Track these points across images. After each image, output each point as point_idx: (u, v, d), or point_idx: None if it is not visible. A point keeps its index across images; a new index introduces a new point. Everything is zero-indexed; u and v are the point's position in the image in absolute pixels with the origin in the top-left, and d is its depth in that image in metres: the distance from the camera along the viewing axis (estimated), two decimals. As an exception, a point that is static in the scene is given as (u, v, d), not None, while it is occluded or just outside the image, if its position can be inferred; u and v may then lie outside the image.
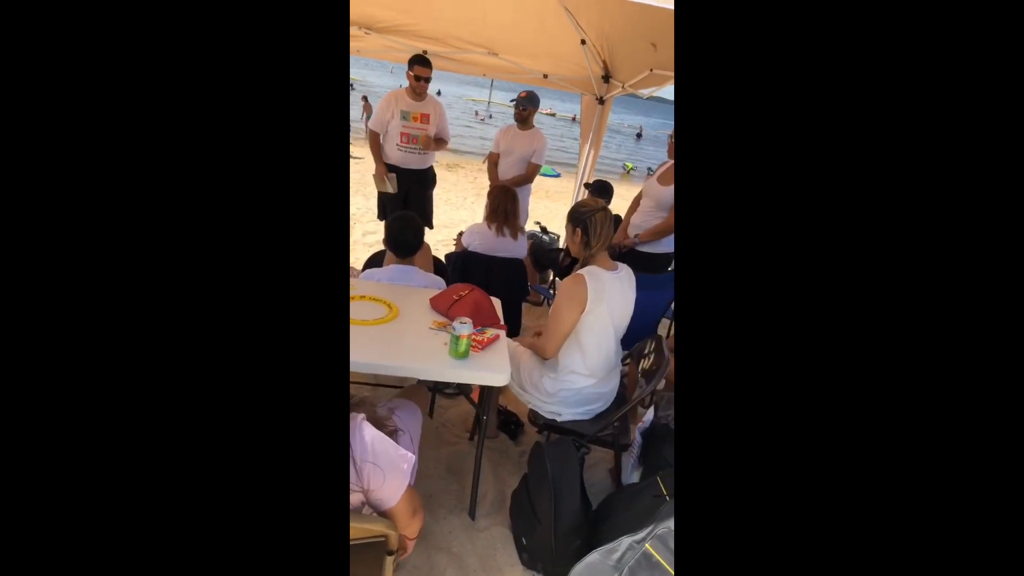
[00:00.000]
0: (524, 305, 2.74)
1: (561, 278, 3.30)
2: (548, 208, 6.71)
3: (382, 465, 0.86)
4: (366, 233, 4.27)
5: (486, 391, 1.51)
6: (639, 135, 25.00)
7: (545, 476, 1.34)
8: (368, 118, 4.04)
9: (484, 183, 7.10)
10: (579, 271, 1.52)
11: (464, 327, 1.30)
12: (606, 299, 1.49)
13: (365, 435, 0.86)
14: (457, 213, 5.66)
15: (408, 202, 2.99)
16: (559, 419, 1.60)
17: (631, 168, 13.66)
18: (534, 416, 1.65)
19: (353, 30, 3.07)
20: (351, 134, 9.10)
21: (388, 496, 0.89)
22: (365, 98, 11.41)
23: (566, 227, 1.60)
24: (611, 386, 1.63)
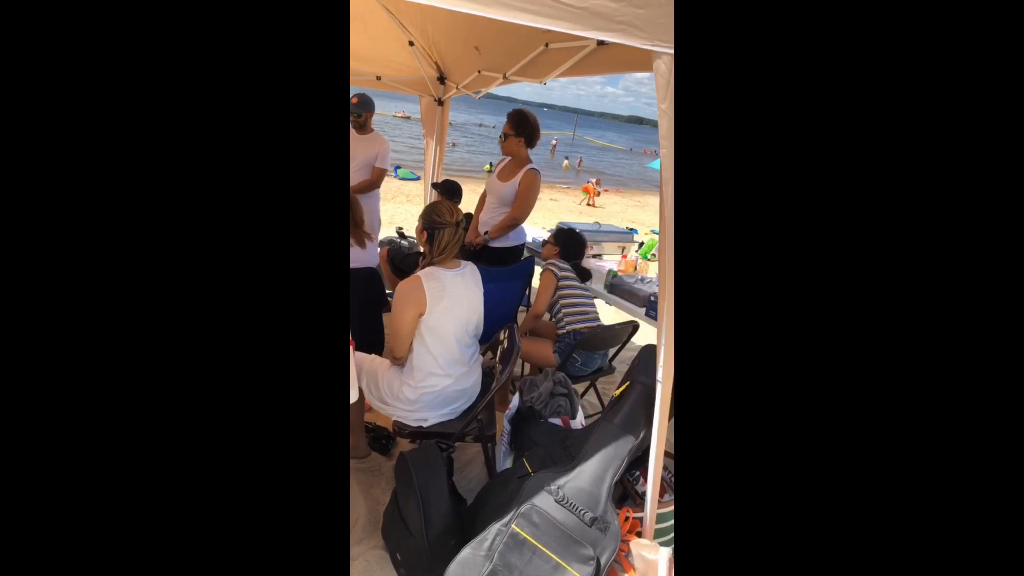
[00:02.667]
0: (385, 315, 2.66)
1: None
2: (409, 212, 6.59)
3: None
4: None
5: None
6: (494, 126, 26.06)
7: (411, 485, 1.31)
8: None
9: (337, 192, 6.67)
10: (418, 273, 1.52)
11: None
12: (447, 297, 1.51)
13: None
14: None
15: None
16: (426, 424, 1.59)
17: (489, 168, 14.06)
18: (399, 427, 1.61)
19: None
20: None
21: None
22: None
23: (418, 221, 1.59)
24: (472, 381, 1.66)
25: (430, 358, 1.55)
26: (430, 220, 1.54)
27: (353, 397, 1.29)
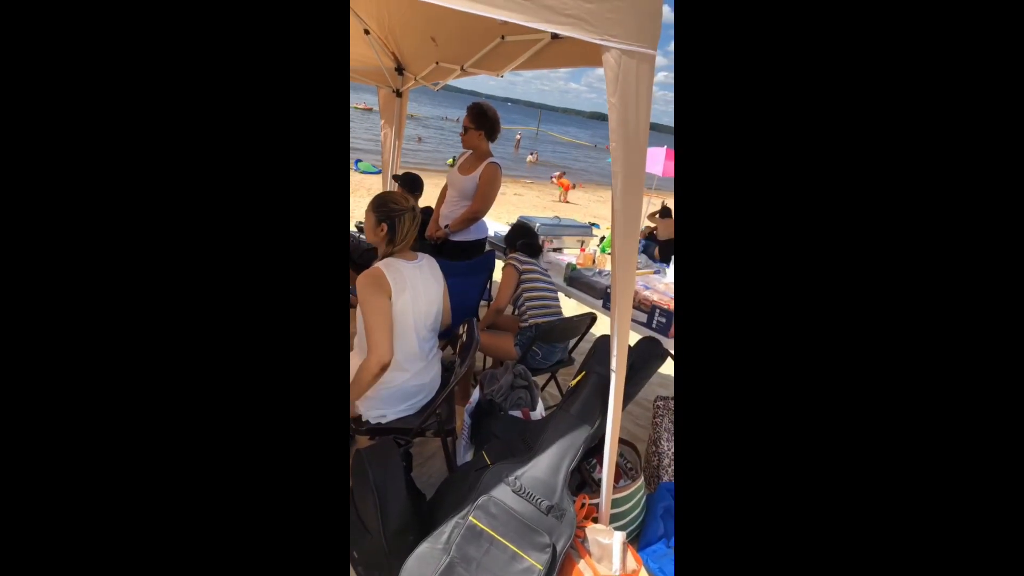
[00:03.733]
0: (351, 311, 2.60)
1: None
2: (370, 206, 6.43)
3: None
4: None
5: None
6: (456, 121, 25.97)
7: (367, 482, 1.29)
8: None
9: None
10: (377, 265, 1.48)
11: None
12: (408, 289, 1.48)
13: None
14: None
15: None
16: (384, 420, 1.56)
17: (452, 163, 13.92)
18: (356, 423, 1.58)
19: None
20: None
21: None
22: None
23: (367, 216, 1.52)
24: (431, 376, 1.65)
25: (397, 357, 1.51)
26: (387, 210, 1.49)
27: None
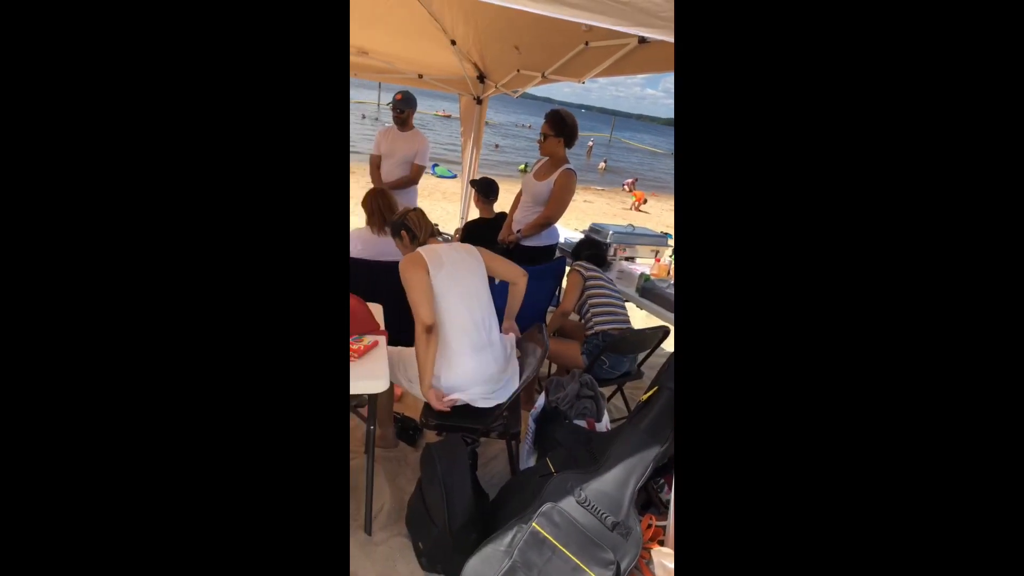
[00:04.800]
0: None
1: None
2: (444, 209, 6.68)
3: None
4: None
5: (372, 400, 1.46)
6: (529, 127, 26.25)
7: (435, 475, 1.33)
8: None
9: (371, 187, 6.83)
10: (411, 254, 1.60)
11: (333, 337, 1.25)
12: (446, 264, 1.56)
13: None
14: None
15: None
16: (460, 401, 1.55)
17: (524, 168, 14.06)
18: (426, 417, 1.63)
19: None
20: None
21: None
22: None
23: (394, 241, 1.74)
24: (508, 366, 1.64)
25: (449, 336, 1.56)
26: (395, 224, 1.72)
27: (383, 387, 1.31)
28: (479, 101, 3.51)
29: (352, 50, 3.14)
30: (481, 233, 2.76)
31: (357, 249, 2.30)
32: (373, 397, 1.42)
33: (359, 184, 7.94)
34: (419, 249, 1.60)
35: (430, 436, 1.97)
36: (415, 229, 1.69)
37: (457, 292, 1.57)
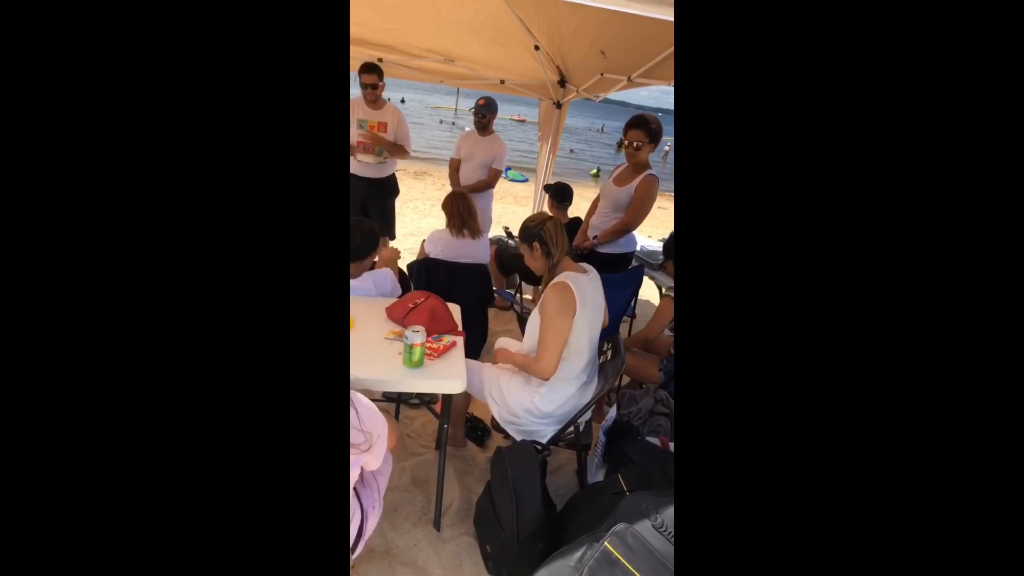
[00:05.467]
0: (491, 310, 2.74)
1: (528, 283, 3.31)
2: (516, 213, 6.74)
3: (376, 429, 0.93)
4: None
5: (447, 400, 1.50)
6: (601, 130, 25.77)
7: (506, 480, 1.33)
8: None
9: (450, 190, 7.04)
10: (559, 279, 1.47)
11: (417, 336, 1.29)
12: (589, 304, 1.46)
13: (362, 402, 0.93)
14: (425, 221, 5.62)
15: (368, 213, 2.96)
16: (531, 437, 1.54)
17: (596, 173, 13.83)
18: (496, 422, 1.64)
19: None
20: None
21: (382, 453, 0.98)
22: None
23: (521, 247, 1.56)
24: (591, 394, 1.60)
25: (570, 368, 1.50)
26: (529, 230, 1.52)
27: (459, 388, 1.34)
28: (559, 105, 3.49)
29: (438, 57, 3.26)
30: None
31: (437, 250, 2.37)
32: (448, 396, 1.45)
33: (435, 186, 8.24)
34: (569, 280, 1.43)
35: (498, 438, 1.98)
36: (551, 244, 1.48)
37: (588, 336, 1.49)
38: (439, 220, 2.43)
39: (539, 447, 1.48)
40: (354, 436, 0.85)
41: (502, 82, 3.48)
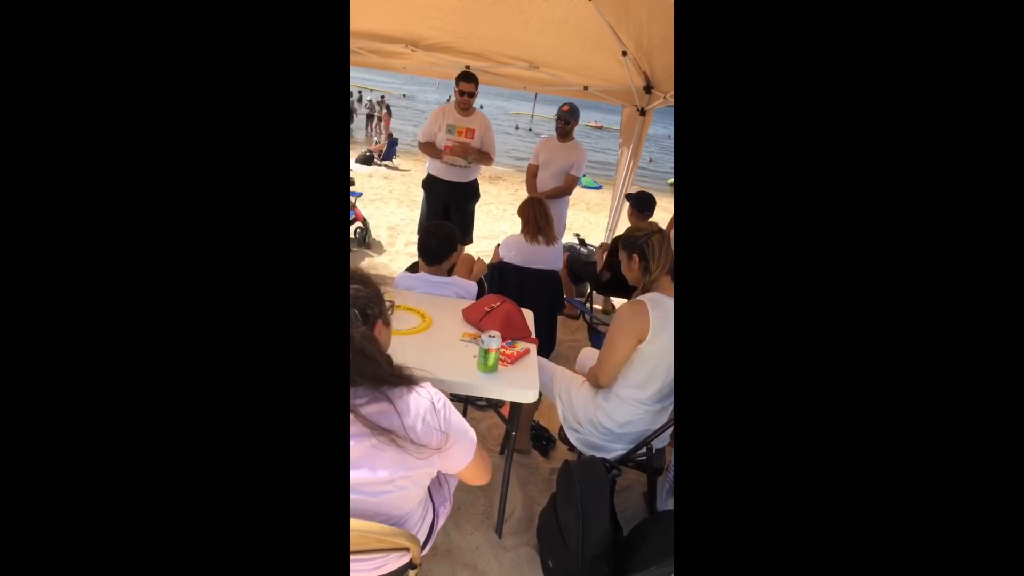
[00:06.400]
0: (559, 318, 2.71)
1: (599, 292, 3.24)
2: (587, 220, 6.65)
3: (455, 432, 0.89)
4: (408, 243, 4.38)
5: (516, 406, 1.49)
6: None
7: (573, 497, 1.29)
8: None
9: (524, 195, 7.10)
10: (640, 297, 1.41)
11: (493, 341, 1.29)
12: (668, 328, 1.36)
13: (448, 405, 0.91)
14: (497, 225, 5.71)
15: (449, 216, 3.04)
16: (599, 454, 1.50)
17: (673, 183, 13.31)
18: (564, 434, 1.61)
19: (399, 48, 3.18)
20: (396, 147, 9.37)
21: (459, 460, 0.93)
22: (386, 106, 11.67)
23: (620, 255, 1.51)
24: (666, 416, 1.52)
25: (637, 392, 1.44)
26: (632, 239, 1.46)
27: (533, 397, 1.32)
28: (643, 112, 3.39)
29: (524, 64, 3.29)
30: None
31: (511, 254, 2.39)
32: (519, 403, 1.44)
33: (508, 191, 8.35)
34: (648, 302, 1.37)
35: (563, 449, 1.94)
36: (651, 258, 1.42)
37: (667, 363, 1.40)
38: (511, 224, 2.45)
39: (607, 464, 1.42)
40: (431, 434, 0.86)
41: (586, 88, 3.45)
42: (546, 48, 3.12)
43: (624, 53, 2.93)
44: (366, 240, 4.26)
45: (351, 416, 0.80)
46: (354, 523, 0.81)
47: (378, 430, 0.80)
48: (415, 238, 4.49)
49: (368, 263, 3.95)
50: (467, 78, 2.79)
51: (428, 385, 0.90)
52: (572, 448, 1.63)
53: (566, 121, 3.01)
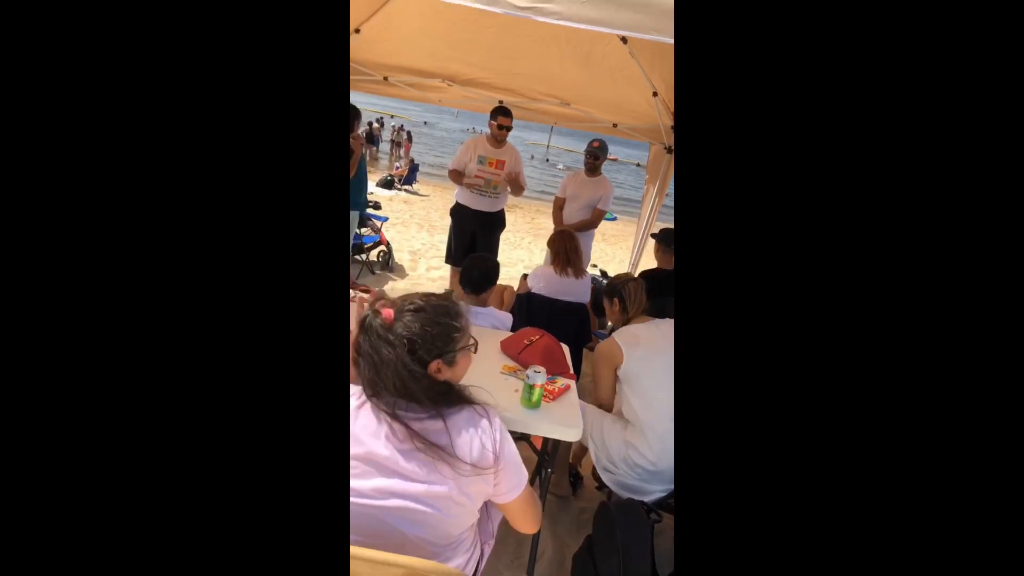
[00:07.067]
0: (584, 350, 2.70)
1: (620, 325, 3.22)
2: (605, 252, 6.68)
3: (506, 458, 0.90)
4: (430, 268, 4.42)
5: (553, 443, 1.47)
6: None
7: (612, 541, 1.26)
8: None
9: (541, 224, 7.14)
10: (616, 333, 1.59)
11: (539, 376, 1.29)
12: (641, 343, 1.53)
13: (506, 434, 0.92)
14: (515, 252, 5.75)
15: (475, 243, 3.09)
16: (648, 498, 1.48)
17: None
18: (598, 474, 1.58)
19: (436, 82, 3.30)
20: (417, 172, 9.56)
21: (509, 490, 0.93)
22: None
23: (603, 301, 1.76)
24: None
25: (649, 414, 1.47)
26: (613, 287, 1.72)
27: (576, 436, 1.31)
28: (670, 151, 3.45)
29: (555, 100, 3.38)
30: (666, 284, 2.66)
31: (540, 285, 2.40)
32: (557, 441, 1.42)
33: (524, 219, 8.44)
34: (616, 335, 1.58)
35: (590, 487, 1.90)
36: (628, 302, 1.69)
37: (651, 374, 1.50)
38: (528, 252, 2.48)
39: (646, 507, 1.39)
40: (484, 455, 0.86)
41: (615, 125, 3.53)
42: (579, 87, 3.22)
43: (655, 94, 3.01)
44: (389, 264, 4.32)
45: (406, 431, 0.83)
46: (405, 559, 0.79)
47: (429, 445, 0.83)
48: (436, 263, 4.55)
49: (391, 287, 3.98)
50: (504, 113, 2.87)
51: (489, 408, 0.92)
52: (601, 487, 1.59)
53: (595, 157, 3.07)
